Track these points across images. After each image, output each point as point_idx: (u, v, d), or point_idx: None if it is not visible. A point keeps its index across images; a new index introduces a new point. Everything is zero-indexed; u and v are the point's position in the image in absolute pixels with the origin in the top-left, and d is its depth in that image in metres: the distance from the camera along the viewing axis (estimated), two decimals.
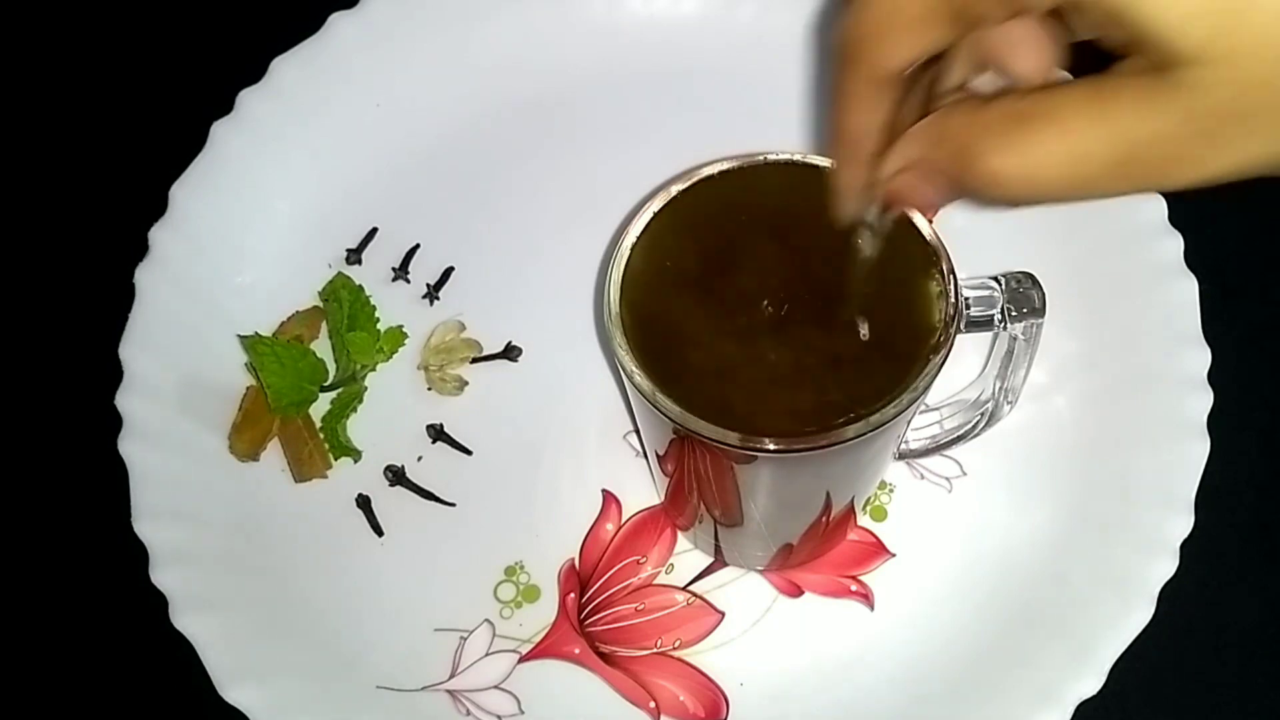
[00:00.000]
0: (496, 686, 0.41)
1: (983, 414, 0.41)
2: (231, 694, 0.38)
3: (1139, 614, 0.38)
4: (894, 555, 0.43)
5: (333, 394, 0.46)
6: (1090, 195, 0.23)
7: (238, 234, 0.48)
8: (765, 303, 0.33)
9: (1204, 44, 0.20)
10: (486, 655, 0.42)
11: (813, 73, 0.51)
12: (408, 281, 0.49)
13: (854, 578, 0.42)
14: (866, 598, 0.42)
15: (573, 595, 0.43)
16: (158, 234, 0.47)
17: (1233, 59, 0.20)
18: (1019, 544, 0.42)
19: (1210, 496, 0.40)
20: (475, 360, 0.47)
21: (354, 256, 0.49)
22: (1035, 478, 0.43)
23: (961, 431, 0.41)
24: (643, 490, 0.44)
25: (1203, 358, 0.42)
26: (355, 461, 0.45)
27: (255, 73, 0.50)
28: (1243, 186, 0.23)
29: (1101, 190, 0.23)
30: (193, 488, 0.43)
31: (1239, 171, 0.22)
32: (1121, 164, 0.22)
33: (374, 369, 0.47)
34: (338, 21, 0.51)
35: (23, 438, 0.48)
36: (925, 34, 0.24)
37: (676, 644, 0.42)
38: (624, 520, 0.44)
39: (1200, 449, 0.41)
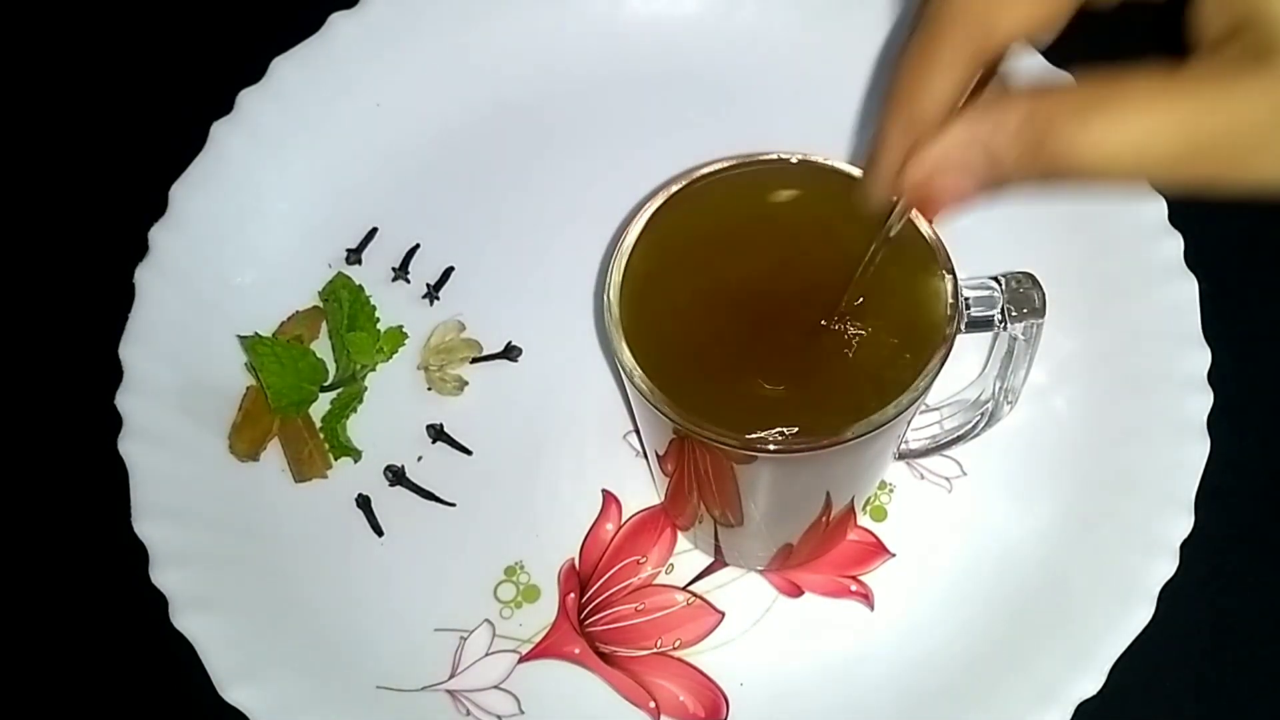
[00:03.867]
0: (496, 686, 0.41)
1: (983, 414, 0.41)
2: (231, 694, 0.38)
3: (1139, 614, 0.38)
4: (894, 555, 0.43)
5: (333, 394, 0.46)
6: (1159, 179, 0.23)
7: (238, 234, 0.48)
8: (765, 303, 0.33)
9: None
10: (486, 655, 0.42)
11: (814, 74, 0.51)
12: (408, 281, 0.49)
13: (854, 578, 0.42)
14: (866, 598, 0.42)
15: (573, 595, 0.43)
16: (158, 234, 0.47)
17: None
18: (1019, 544, 0.42)
19: (1210, 496, 0.40)
20: (475, 360, 0.47)
21: (354, 256, 0.49)
22: (1035, 478, 0.43)
23: (961, 431, 0.41)
24: (643, 490, 0.44)
25: (1203, 358, 0.42)
26: (355, 461, 0.45)
27: (255, 73, 0.50)
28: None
29: (1169, 175, 0.23)
30: (193, 488, 0.43)
31: None
32: (1194, 150, 0.22)
33: (374, 369, 0.47)
34: (338, 21, 0.51)
35: (23, 438, 0.48)
36: (1041, 4, 0.23)
37: (676, 644, 0.42)
38: (624, 520, 0.44)
39: (1200, 449, 0.41)
